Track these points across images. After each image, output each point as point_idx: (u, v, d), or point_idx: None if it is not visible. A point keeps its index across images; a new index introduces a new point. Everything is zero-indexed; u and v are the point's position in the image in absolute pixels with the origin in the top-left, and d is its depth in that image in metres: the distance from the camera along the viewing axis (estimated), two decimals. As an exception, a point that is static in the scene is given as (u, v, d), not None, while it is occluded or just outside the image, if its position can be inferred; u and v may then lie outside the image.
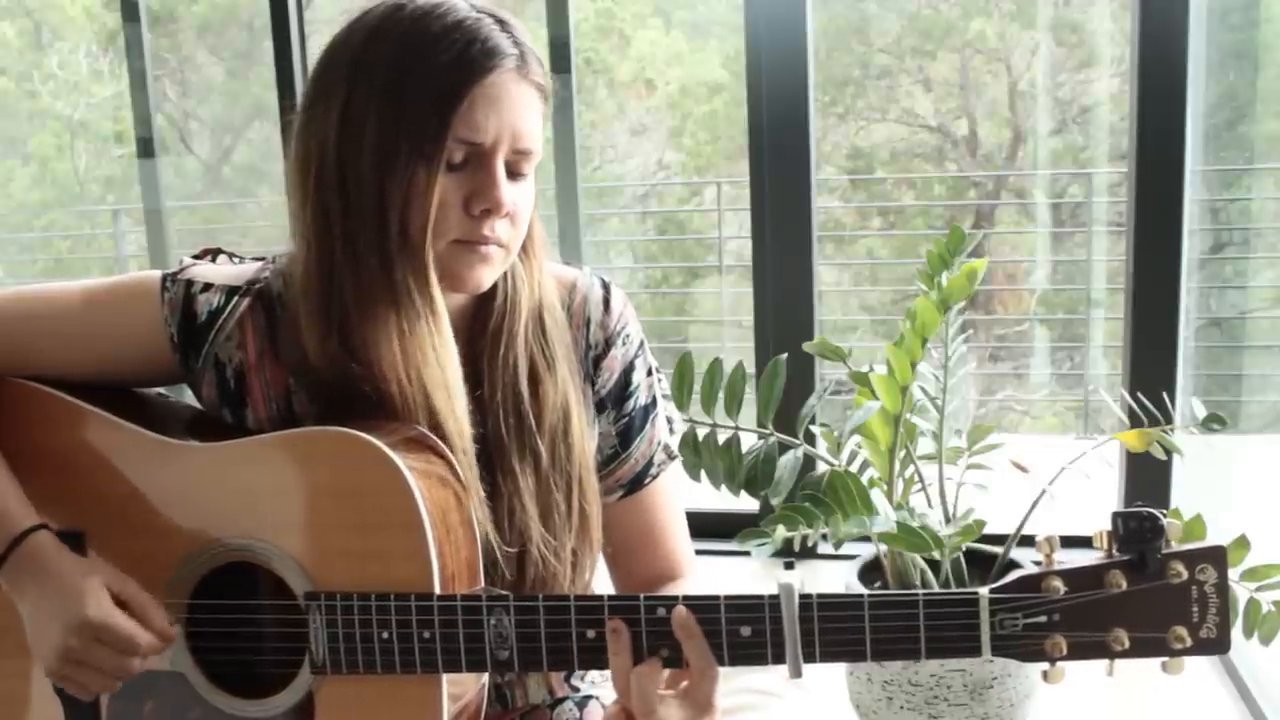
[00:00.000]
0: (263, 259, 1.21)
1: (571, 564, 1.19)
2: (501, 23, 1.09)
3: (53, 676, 1.13)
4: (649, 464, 1.26)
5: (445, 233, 1.08)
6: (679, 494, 1.31)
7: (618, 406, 1.24)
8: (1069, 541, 1.01)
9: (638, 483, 1.26)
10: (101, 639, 1.09)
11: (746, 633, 1.01)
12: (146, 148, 3.79)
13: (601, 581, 1.28)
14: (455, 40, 1.06)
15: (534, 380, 1.18)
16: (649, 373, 1.27)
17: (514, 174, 1.10)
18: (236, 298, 1.17)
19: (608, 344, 1.23)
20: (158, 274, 1.19)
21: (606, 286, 1.25)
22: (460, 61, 1.05)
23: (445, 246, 1.09)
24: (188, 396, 1.23)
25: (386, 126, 1.05)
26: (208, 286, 1.17)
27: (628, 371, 1.24)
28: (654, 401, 1.27)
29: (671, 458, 1.29)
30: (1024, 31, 7.99)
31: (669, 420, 1.30)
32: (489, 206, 1.08)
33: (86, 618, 1.08)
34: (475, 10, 1.08)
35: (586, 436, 1.20)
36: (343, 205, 1.08)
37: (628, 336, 1.25)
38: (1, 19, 8.89)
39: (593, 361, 1.23)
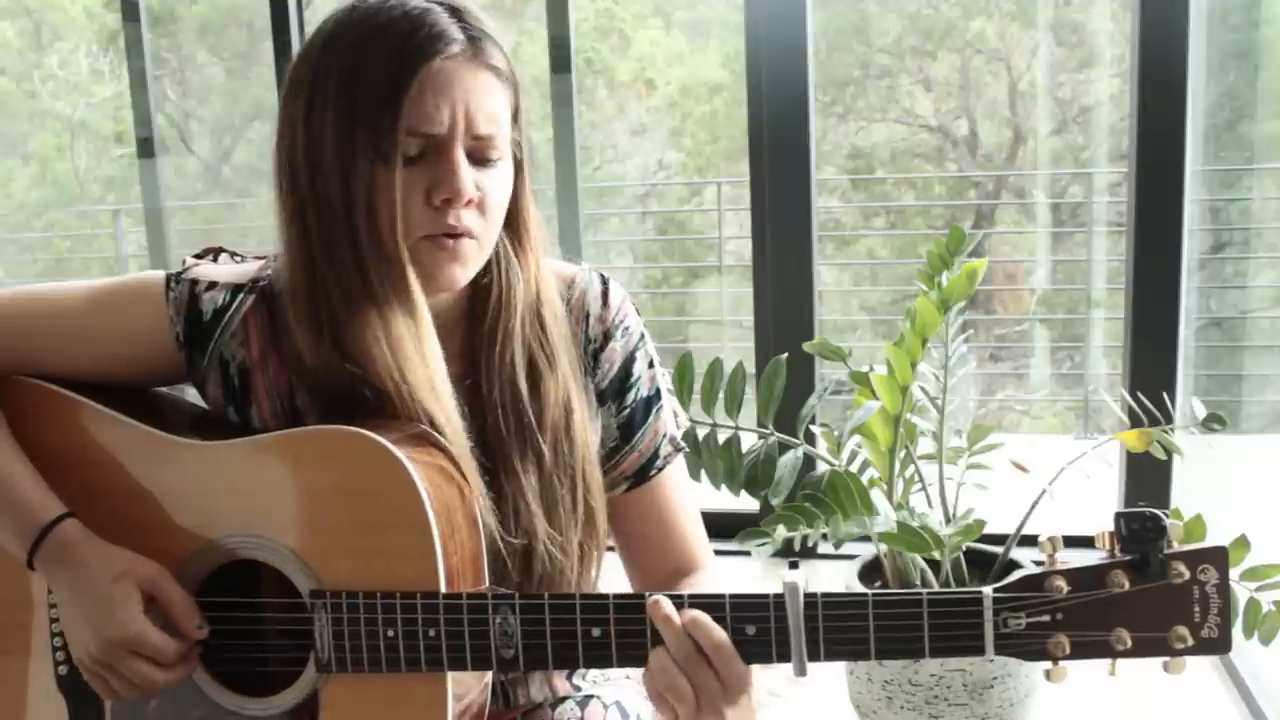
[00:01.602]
0: (264, 257, 1.21)
1: (579, 558, 1.19)
2: (454, 10, 1.08)
3: (83, 671, 1.13)
4: (654, 455, 1.26)
5: (413, 229, 1.07)
6: (689, 486, 1.31)
7: (618, 399, 1.24)
8: (1069, 541, 1.01)
9: (643, 475, 1.26)
10: (134, 651, 1.10)
11: (751, 631, 1.01)
12: (146, 148, 3.79)
13: (608, 577, 1.28)
14: (400, 31, 1.05)
15: (534, 377, 1.17)
16: (650, 365, 1.26)
17: (480, 161, 1.09)
18: (241, 295, 1.17)
19: (606, 337, 1.23)
20: (161, 274, 1.19)
21: (605, 281, 1.25)
22: (403, 51, 1.05)
23: (416, 243, 1.08)
24: (192, 395, 1.23)
25: (343, 126, 1.05)
26: (212, 285, 1.18)
27: (628, 364, 1.24)
28: (657, 394, 1.26)
29: (678, 450, 1.28)
30: (1024, 31, 8.00)
31: (674, 414, 1.30)
32: (449, 195, 1.06)
33: (120, 634, 1.09)
34: (428, 0, 1.08)
35: (589, 431, 1.20)
36: (316, 210, 1.08)
37: (627, 329, 1.24)
38: (1, 19, 8.89)
39: (592, 355, 1.23)
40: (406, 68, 1.04)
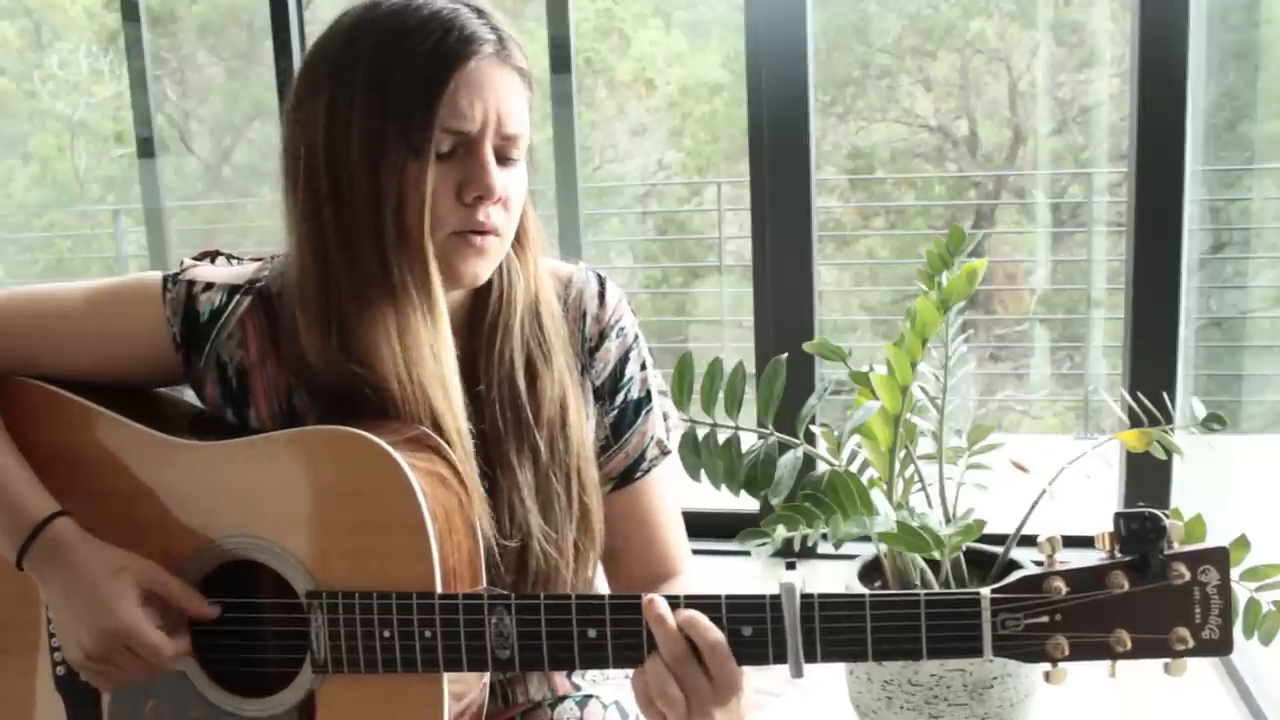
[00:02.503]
0: (261, 259, 1.22)
1: (574, 556, 1.19)
2: (478, 11, 1.09)
3: (77, 669, 1.13)
4: (641, 458, 1.26)
5: (441, 225, 1.08)
6: (674, 491, 1.31)
7: (610, 398, 1.24)
8: (1069, 541, 1.01)
9: (628, 476, 1.26)
10: (129, 646, 1.10)
11: (748, 632, 1.01)
12: (146, 148, 3.79)
13: (604, 576, 1.28)
14: (433, 30, 1.06)
15: (531, 375, 1.18)
16: (643, 367, 1.27)
17: (504, 160, 1.10)
18: (238, 296, 1.17)
19: (602, 336, 1.24)
20: (158, 275, 1.19)
21: (602, 281, 1.25)
22: (440, 50, 1.06)
23: (443, 239, 1.09)
24: (190, 397, 1.23)
25: (373, 121, 1.06)
26: (209, 286, 1.18)
27: (621, 364, 1.24)
28: (648, 396, 1.27)
29: (664, 453, 1.28)
30: (1024, 31, 8.00)
31: (665, 416, 1.30)
32: (481, 193, 1.08)
33: (117, 626, 1.09)
34: (451, 0, 1.09)
35: (585, 429, 1.20)
36: (335, 205, 1.08)
37: (622, 329, 1.25)
38: (1, 19, 8.90)
39: (588, 354, 1.23)
40: (443, 68, 1.05)
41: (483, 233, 1.09)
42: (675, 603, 1.02)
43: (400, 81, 1.05)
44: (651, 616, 1.01)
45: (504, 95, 1.09)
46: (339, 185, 1.08)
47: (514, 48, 1.10)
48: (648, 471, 1.26)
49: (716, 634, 1.01)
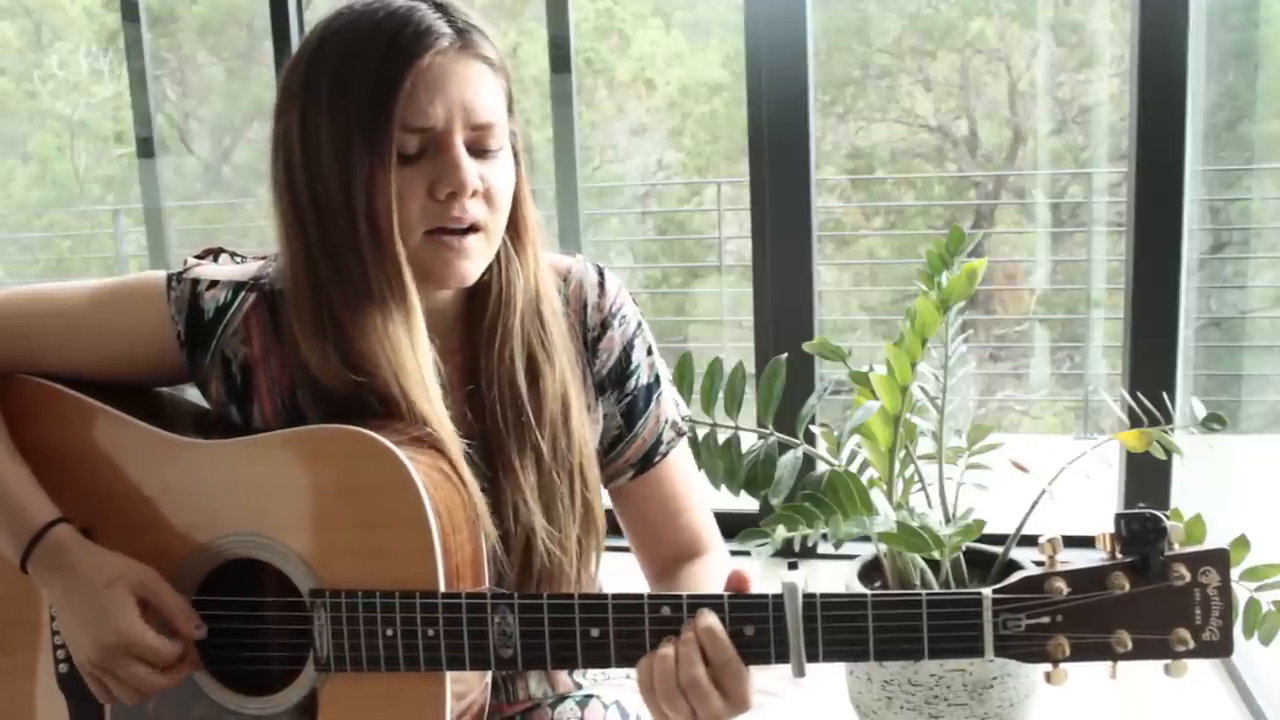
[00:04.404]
0: (264, 257, 1.22)
1: (577, 554, 1.19)
2: (439, 6, 1.09)
3: (84, 674, 1.13)
4: (658, 441, 1.26)
5: (414, 225, 1.07)
6: (693, 470, 1.32)
7: (619, 387, 1.24)
8: (1069, 542, 1.01)
9: (648, 461, 1.26)
10: (132, 655, 1.09)
11: (750, 632, 1.01)
12: (146, 148, 3.79)
13: (607, 574, 1.28)
14: (387, 30, 1.06)
15: (532, 374, 1.17)
16: (649, 352, 1.27)
17: (480, 152, 1.09)
18: (243, 293, 1.17)
19: (604, 325, 1.24)
20: (162, 273, 1.19)
21: (601, 271, 1.25)
22: (392, 49, 1.05)
23: (419, 240, 1.08)
24: (193, 395, 1.23)
25: (339, 128, 1.06)
26: (213, 283, 1.18)
27: (627, 350, 1.25)
28: (657, 380, 1.27)
29: (680, 434, 1.29)
30: (1024, 31, 8.00)
31: (675, 402, 1.30)
32: (454, 188, 1.06)
33: (117, 639, 1.09)
34: None
35: (586, 426, 1.20)
36: (316, 216, 1.08)
37: (624, 317, 1.25)
38: (1, 19, 8.90)
39: (591, 344, 1.23)
40: (397, 67, 1.05)
41: (461, 231, 1.09)
42: (678, 603, 1.02)
43: (359, 88, 1.05)
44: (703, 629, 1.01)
45: (469, 87, 1.07)
46: (318, 197, 1.08)
47: (479, 38, 1.09)
48: (665, 454, 1.27)
49: (732, 651, 1.01)
